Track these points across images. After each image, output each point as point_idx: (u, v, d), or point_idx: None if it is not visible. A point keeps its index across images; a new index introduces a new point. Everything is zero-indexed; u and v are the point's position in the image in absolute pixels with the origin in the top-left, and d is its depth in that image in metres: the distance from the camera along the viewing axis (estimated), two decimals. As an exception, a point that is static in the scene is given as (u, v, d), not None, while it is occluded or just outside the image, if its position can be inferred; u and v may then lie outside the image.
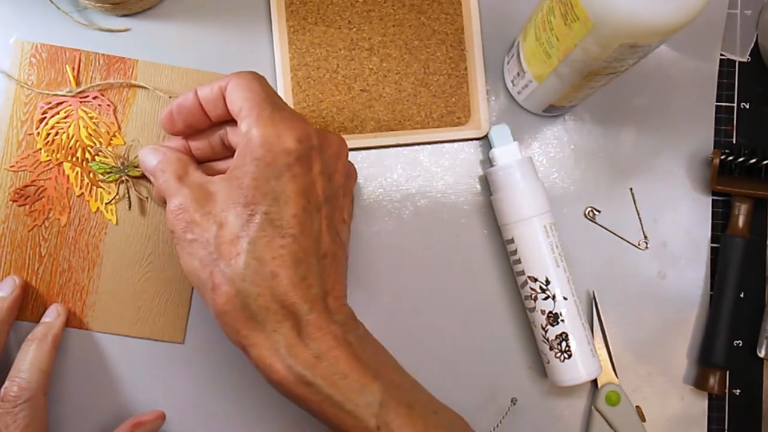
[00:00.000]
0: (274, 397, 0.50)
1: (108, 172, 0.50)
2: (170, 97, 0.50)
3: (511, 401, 0.51)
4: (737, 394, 0.52)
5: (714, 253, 0.53)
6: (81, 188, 0.50)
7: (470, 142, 0.52)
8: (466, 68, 0.51)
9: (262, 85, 0.42)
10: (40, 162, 0.49)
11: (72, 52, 0.50)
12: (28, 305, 0.49)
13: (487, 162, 0.52)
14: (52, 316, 0.48)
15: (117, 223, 0.50)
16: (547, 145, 0.53)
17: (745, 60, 0.53)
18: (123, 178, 0.50)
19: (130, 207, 0.50)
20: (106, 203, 0.49)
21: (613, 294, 0.52)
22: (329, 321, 0.40)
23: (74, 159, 0.50)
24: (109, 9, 0.50)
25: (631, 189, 0.53)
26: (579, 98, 0.48)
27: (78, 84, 0.50)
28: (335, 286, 0.42)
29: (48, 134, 0.49)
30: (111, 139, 0.50)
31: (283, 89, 0.51)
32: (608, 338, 0.51)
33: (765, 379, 0.53)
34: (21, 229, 0.49)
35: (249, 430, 0.51)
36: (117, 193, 0.50)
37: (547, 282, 0.47)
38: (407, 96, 0.51)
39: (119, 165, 0.50)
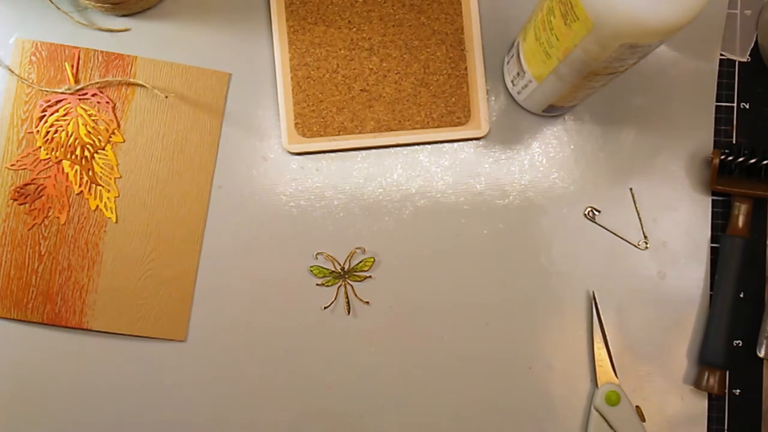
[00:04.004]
0: (276, 396, 0.51)
1: (327, 277, 0.50)
2: (166, 96, 0.50)
3: None
4: (737, 394, 0.52)
5: (714, 253, 0.53)
6: (80, 186, 0.50)
7: (470, 142, 0.52)
8: (466, 68, 0.51)
9: None
10: (40, 160, 0.49)
11: (71, 50, 0.50)
12: (29, 304, 0.49)
13: (487, 162, 0.52)
14: None
15: (116, 221, 0.50)
16: (547, 145, 0.53)
17: (745, 60, 0.53)
18: (342, 284, 0.50)
19: (348, 312, 0.50)
20: (324, 306, 0.50)
21: (613, 294, 0.52)
22: None
23: (73, 157, 0.50)
24: (109, 9, 0.50)
25: (631, 189, 0.53)
26: (579, 98, 0.48)
27: (77, 81, 0.50)
28: None
29: (47, 132, 0.50)
30: (110, 137, 0.50)
31: (283, 89, 0.51)
32: (608, 338, 0.51)
33: (765, 379, 0.52)
34: (21, 227, 0.49)
35: (250, 428, 0.51)
36: (335, 298, 0.50)
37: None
38: (407, 96, 0.51)
39: (340, 270, 0.50)
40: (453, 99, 0.51)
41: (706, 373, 0.51)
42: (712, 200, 0.53)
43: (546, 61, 0.44)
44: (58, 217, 0.50)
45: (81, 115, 0.50)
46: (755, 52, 0.53)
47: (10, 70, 0.50)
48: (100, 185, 0.50)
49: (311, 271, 0.51)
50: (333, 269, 0.51)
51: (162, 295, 0.50)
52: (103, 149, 0.50)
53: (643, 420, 0.51)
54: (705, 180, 0.53)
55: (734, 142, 0.53)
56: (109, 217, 0.50)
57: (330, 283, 0.51)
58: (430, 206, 0.52)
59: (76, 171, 0.50)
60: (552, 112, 0.51)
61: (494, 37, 0.52)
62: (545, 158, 0.53)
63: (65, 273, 0.50)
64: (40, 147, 0.50)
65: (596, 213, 0.52)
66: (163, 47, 0.51)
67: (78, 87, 0.50)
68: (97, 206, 0.50)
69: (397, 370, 0.51)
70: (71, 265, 0.50)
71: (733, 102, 0.53)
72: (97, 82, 0.50)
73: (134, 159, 0.50)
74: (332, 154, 0.52)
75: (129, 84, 0.50)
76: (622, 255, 0.52)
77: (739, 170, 0.51)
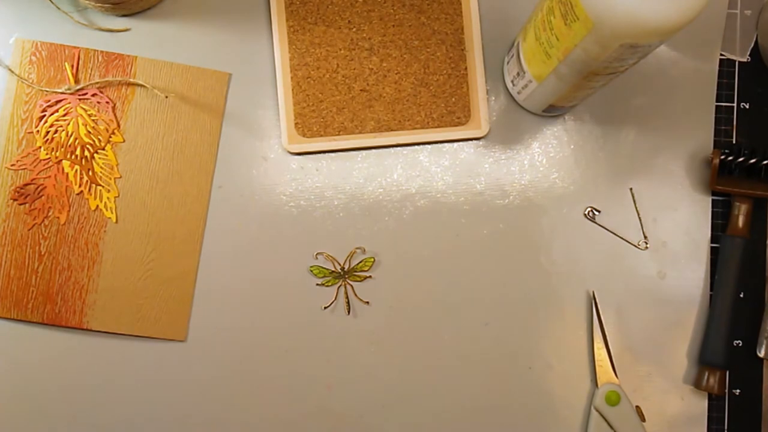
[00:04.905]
0: (276, 396, 0.51)
1: (327, 277, 0.50)
2: (166, 96, 0.50)
3: None
4: (737, 394, 0.52)
5: (714, 253, 0.53)
6: (80, 186, 0.50)
7: (470, 142, 0.52)
8: (466, 68, 0.51)
9: None
10: (40, 160, 0.49)
11: (71, 50, 0.50)
12: (29, 304, 0.49)
13: (487, 162, 0.52)
14: None
15: (117, 221, 0.50)
16: (547, 145, 0.53)
17: (745, 60, 0.53)
18: (342, 284, 0.50)
19: (348, 312, 0.50)
20: (324, 306, 0.50)
21: (613, 294, 0.52)
22: None
23: (73, 157, 0.50)
24: (109, 9, 0.50)
25: (631, 189, 0.53)
26: (579, 98, 0.48)
27: (77, 81, 0.50)
28: None
29: (47, 132, 0.50)
30: (110, 137, 0.50)
31: (283, 89, 0.51)
32: (608, 338, 0.51)
33: (765, 379, 0.52)
34: (21, 227, 0.49)
35: (250, 428, 0.51)
36: (335, 298, 0.50)
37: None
38: (407, 96, 0.51)
39: (340, 270, 0.50)
40: (453, 99, 0.51)
41: (706, 373, 0.51)
42: (712, 200, 0.53)
43: (546, 61, 0.44)
44: (58, 217, 0.50)
45: (81, 115, 0.50)
46: (755, 52, 0.53)
47: (10, 70, 0.50)
48: (100, 185, 0.50)
49: (311, 271, 0.51)
50: (333, 269, 0.51)
51: (162, 295, 0.50)
52: (103, 149, 0.50)
53: (643, 420, 0.51)
54: (705, 180, 0.53)
55: (734, 142, 0.53)
56: (109, 217, 0.50)
57: (330, 283, 0.51)
58: (430, 206, 0.52)
59: (76, 171, 0.50)
60: (552, 112, 0.51)
61: (494, 37, 0.52)
62: (545, 158, 0.53)
63: (65, 273, 0.50)
64: (40, 147, 0.50)
65: (596, 213, 0.52)
66: (163, 47, 0.51)
67: (78, 87, 0.50)
68: (97, 206, 0.50)
69: (397, 370, 0.51)
70: (71, 265, 0.50)
71: (733, 102, 0.53)
72: (97, 82, 0.50)
73: (134, 159, 0.50)
74: (332, 154, 0.52)
75: (129, 84, 0.50)
76: (622, 255, 0.52)
77: (739, 170, 0.51)
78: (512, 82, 0.50)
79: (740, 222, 0.51)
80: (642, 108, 0.53)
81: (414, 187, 0.52)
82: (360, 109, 0.51)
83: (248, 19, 0.52)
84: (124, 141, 0.50)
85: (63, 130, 0.50)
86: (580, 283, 0.52)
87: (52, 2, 0.50)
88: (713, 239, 0.53)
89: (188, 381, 0.50)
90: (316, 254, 0.51)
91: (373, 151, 0.52)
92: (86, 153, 0.50)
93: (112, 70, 0.50)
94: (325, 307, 0.51)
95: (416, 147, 0.52)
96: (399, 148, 0.52)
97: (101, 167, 0.50)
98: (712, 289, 0.52)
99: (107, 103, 0.50)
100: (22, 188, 0.50)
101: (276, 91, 0.51)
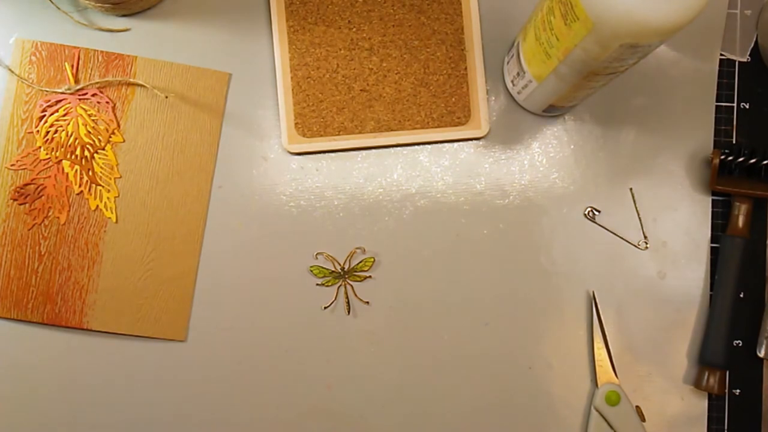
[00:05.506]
0: (276, 395, 0.51)
1: (327, 277, 0.50)
2: (166, 96, 0.50)
3: None
4: (737, 394, 0.52)
5: (714, 253, 0.53)
6: (80, 186, 0.50)
7: (470, 142, 0.52)
8: (466, 68, 0.51)
9: None
10: (40, 160, 0.50)
11: (71, 50, 0.50)
12: (29, 304, 0.49)
13: (487, 162, 0.52)
14: None
15: (117, 221, 0.50)
16: (547, 145, 0.53)
17: (745, 60, 0.53)
18: (342, 284, 0.50)
19: (348, 312, 0.50)
20: (324, 306, 0.49)
21: (613, 294, 0.52)
22: None
23: (73, 157, 0.50)
24: (109, 9, 0.50)
25: (631, 189, 0.53)
26: (579, 98, 0.48)
27: (77, 81, 0.50)
28: None
29: (47, 132, 0.50)
30: (110, 137, 0.50)
31: (283, 89, 0.51)
32: (608, 338, 0.51)
33: (765, 379, 0.52)
34: (21, 227, 0.49)
35: (250, 428, 0.51)
36: (335, 298, 0.50)
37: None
38: (407, 96, 0.51)
39: (340, 270, 0.50)
40: (453, 99, 0.51)
41: (706, 373, 0.51)
42: (712, 200, 0.53)
43: (546, 61, 0.44)
44: (58, 217, 0.50)
45: (81, 115, 0.50)
46: (755, 52, 0.53)
47: (10, 70, 0.50)
48: (100, 185, 0.50)
49: (311, 271, 0.51)
50: (333, 269, 0.51)
51: (162, 295, 0.50)
52: (103, 149, 0.50)
53: (643, 420, 0.51)
54: (705, 180, 0.53)
55: (734, 142, 0.53)
56: (109, 217, 0.50)
57: (330, 283, 0.51)
58: (430, 206, 0.52)
59: (76, 171, 0.50)
60: (552, 112, 0.51)
61: (494, 37, 0.52)
62: (545, 158, 0.53)
63: (65, 273, 0.50)
64: (40, 147, 0.50)
65: (596, 213, 0.52)
66: (163, 47, 0.51)
67: (78, 87, 0.50)
68: (97, 206, 0.50)
69: (397, 369, 0.51)
70: (71, 265, 0.50)
71: (733, 102, 0.53)
72: (97, 82, 0.50)
73: (134, 159, 0.50)
74: (332, 154, 0.52)
75: (129, 84, 0.50)
76: (622, 255, 0.52)
77: (739, 170, 0.51)
78: (512, 82, 0.50)
79: (740, 222, 0.51)
80: (642, 108, 0.53)
81: (414, 187, 0.52)
82: (360, 109, 0.51)
83: (248, 19, 0.52)
84: (124, 141, 0.50)
85: (63, 130, 0.50)
86: (580, 283, 0.52)
87: (52, 2, 0.50)
88: (713, 239, 0.53)
89: (188, 381, 0.50)
90: (316, 254, 0.51)
91: (373, 151, 0.52)
92: (86, 153, 0.50)
93: (112, 70, 0.50)
94: (325, 307, 0.51)
95: (416, 147, 0.52)
96: (399, 148, 0.52)
97: (101, 167, 0.50)
98: (712, 289, 0.52)
99: (107, 103, 0.50)
100: (22, 188, 0.50)
101: (276, 91, 0.51)
